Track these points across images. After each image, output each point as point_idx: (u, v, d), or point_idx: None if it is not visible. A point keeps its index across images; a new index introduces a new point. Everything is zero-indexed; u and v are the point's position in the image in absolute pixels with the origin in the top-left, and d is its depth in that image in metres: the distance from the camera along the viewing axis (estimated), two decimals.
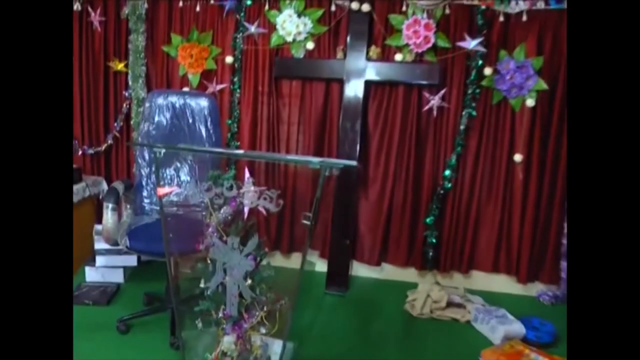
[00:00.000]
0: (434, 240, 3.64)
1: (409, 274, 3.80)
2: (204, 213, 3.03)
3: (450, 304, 3.40)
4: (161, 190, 2.26)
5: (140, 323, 2.98)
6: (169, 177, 3.13)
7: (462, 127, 3.50)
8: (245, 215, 2.12)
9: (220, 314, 2.24)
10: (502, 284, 3.71)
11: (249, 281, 2.15)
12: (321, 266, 3.84)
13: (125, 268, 3.52)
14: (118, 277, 3.49)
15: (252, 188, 2.06)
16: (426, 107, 3.54)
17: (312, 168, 2.00)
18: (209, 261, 2.23)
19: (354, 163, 1.94)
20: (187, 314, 2.59)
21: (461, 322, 3.30)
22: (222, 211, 2.12)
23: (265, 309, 2.25)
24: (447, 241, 3.68)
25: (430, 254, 3.65)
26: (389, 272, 3.83)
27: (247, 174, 2.12)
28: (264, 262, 2.20)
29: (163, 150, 2.09)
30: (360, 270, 3.86)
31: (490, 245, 3.66)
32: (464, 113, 3.49)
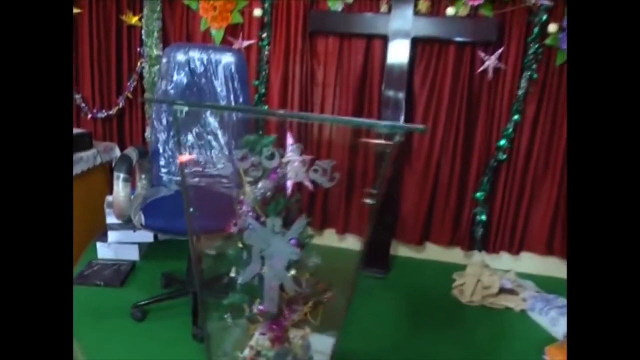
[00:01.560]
0: (483, 218, 3.15)
1: (453, 255, 3.33)
2: (234, 187, 2.58)
3: (502, 290, 2.94)
4: (183, 157, 1.79)
5: (157, 309, 2.54)
6: (189, 143, 2.65)
7: (520, 92, 2.98)
8: (289, 190, 1.65)
9: (255, 310, 1.79)
10: (556, 267, 3.22)
11: (293, 272, 1.69)
12: (351, 243, 3.40)
13: (140, 244, 3.06)
14: (133, 254, 3.05)
15: (298, 157, 1.57)
16: (480, 69, 3.01)
17: (380, 132, 1.51)
18: (239, 244, 1.77)
19: (422, 127, 1.46)
20: (211, 300, 2.15)
21: (515, 310, 2.83)
22: (259, 185, 1.64)
23: (310, 303, 1.80)
24: (498, 219, 3.19)
25: (479, 233, 3.17)
26: (431, 252, 3.36)
27: (289, 140, 1.64)
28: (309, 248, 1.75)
29: (185, 108, 1.60)
30: (399, 249, 3.39)
31: (545, 225, 3.17)
32: (523, 76, 2.96)
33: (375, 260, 3.11)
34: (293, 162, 1.58)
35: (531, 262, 3.25)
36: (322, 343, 2.03)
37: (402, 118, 3.01)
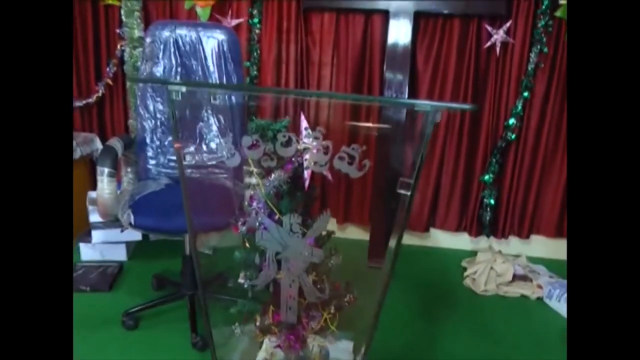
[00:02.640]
0: (492, 202, 2.92)
1: (460, 241, 3.10)
2: (232, 179, 2.30)
3: (514, 277, 2.73)
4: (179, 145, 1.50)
5: (151, 315, 2.26)
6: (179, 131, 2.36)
7: (530, 67, 2.74)
8: (307, 182, 1.38)
9: (269, 320, 1.53)
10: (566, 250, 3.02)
11: (313, 275, 1.43)
12: (358, 233, 3.14)
13: (128, 243, 2.76)
14: (120, 254, 2.74)
15: (319, 143, 1.30)
16: (487, 44, 2.76)
17: (419, 111, 1.25)
18: (246, 244, 1.50)
19: (471, 106, 1.20)
20: (211, 303, 1.89)
21: (531, 298, 2.62)
22: (272, 177, 1.37)
23: (332, 310, 1.54)
24: (507, 202, 2.96)
25: (488, 217, 2.94)
26: (437, 238, 3.12)
27: (303, 123, 1.37)
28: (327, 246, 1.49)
29: (183, 89, 1.32)
30: (404, 237, 3.13)
31: (555, 207, 2.96)
32: (532, 50, 2.72)
33: (380, 250, 2.86)
34: (313, 149, 1.31)
35: (541, 246, 3.04)
36: (339, 349, 1.79)
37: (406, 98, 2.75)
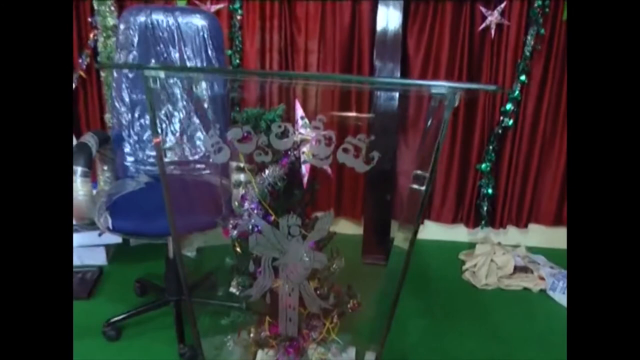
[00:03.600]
0: (490, 191, 2.77)
1: (456, 233, 2.95)
2: (217, 174, 2.11)
3: (515, 269, 2.59)
4: (159, 139, 1.32)
5: (134, 324, 2.07)
6: (158, 126, 2.16)
7: (527, 50, 2.58)
8: (305, 178, 1.20)
9: (265, 332, 1.36)
10: (565, 238, 2.88)
11: (315, 282, 1.26)
12: (350, 228, 2.97)
13: (107, 246, 2.56)
14: (99, 258, 2.54)
15: (319, 133, 1.13)
16: (482, 26, 2.60)
17: (435, 95, 1.08)
18: (238, 248, 1.32)
19: (492, 87, 1.03)
20: (197, 308, 1.72)
21: (534, 291, 2.48)
22: (266, 174, 1.19)
23: (334, 319, 1.37)
24: (505, 191, 2.81)
25: (486, 207, 2.80)
26: (432, 231, 2.96)
27: (299, 111, 1.20)
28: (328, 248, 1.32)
29: (161, 74, 1.13)
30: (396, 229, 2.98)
31: (554, 194, 2.83)
32: (529, 32, 2.57)
33: (374, 246, 2.70)
34: (311, 140, 1.14)
35: (540, 235, 2.91)
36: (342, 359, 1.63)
37: None
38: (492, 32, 2.59)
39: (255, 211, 1.19)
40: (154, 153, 2.13)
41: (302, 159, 1.17)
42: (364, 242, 2.72)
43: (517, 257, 2.65)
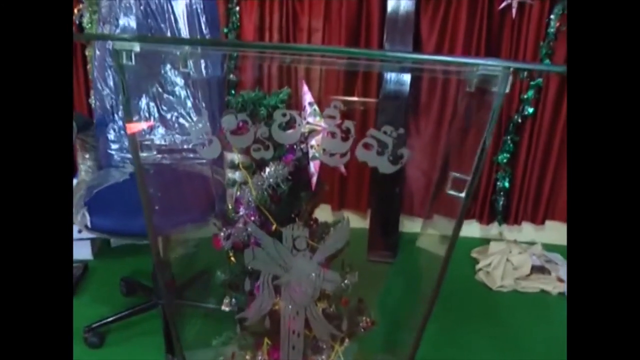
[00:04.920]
0: (506, 185, 2.54)
1: (468, 229, 2.71)
2: (210, 165, 1.87)
3: (532, 269, 2.37)
4: (134, 126, 1.07)
5: (119, 328, 1.85)
6: (144, 110, 1.92)
7: (550, 31, 2.33)
8: (314, 179, 0.96)
9: (264, 358, 1.13)
10: None
11: (323, 303, 1.03)
12: (355, 221, 2.74)
13: (93, 240, 2.32)
14: (84, 252, 2.30)
15: (333, 123, 0.89)
16: (502, 5, 2.34)
17: (488, 75, 0.83)
18: (232, 258, 1.09)
19: (559, 67, 0.79)
20: (185, 312, 1.51)
21: (552, 294, 2.27)
22: (266, 173, 0.95)
23: (344, 343, 1.15)
24: (522, 185, 2.58)
25: (501, 202, 2.57)
26: (443, 225, 2.73)
27: (306, 96, 0.95)
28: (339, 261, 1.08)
29: (136, 47, 0.89)
30: (405, 224, 2.75)
31: None
32: (554, 11, 2.31)
33: (381, 242, 2.47)
34: (322, 132, 0.90)
35: (556, 232, 2.68)
36: None
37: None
38: (514, 11, 2.33)
39: (253, 218, 0.96)
40: (141, 140, 1.89)
41: (310, 155, 0.93)
42: (369, 238, 2.49)
43: (534, 256, 2.43)
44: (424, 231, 2.10)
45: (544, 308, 2.18)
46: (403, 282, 2.28)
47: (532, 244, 2.59)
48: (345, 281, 1.07)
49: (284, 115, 0.85)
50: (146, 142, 0.99)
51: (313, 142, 0.93)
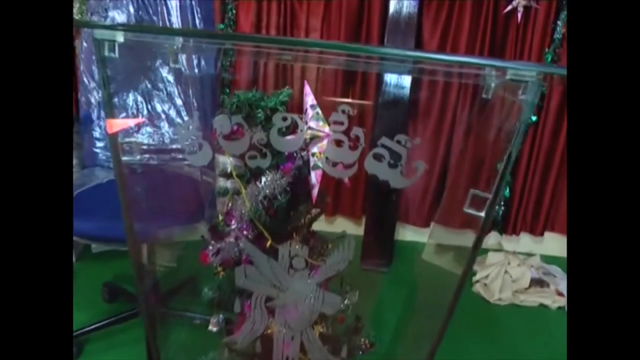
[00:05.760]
0: (506, 193, 2.45)
1: (464, 238, 2.62)
2: (212, 170, 1.75)
3: (531, 282, 2.28)
4: (116, 123, 0.96)
5: (99, 337, 1.74)
6: (132, 107, 1.80)
7: (556, 37, 2.25)
8: (315, 190, 0.86)
9: None
10: None
11: (320, 327, 0.93)
12: (348, 227, 2.64)
13: (76, 241, 2.20)
14: None
15: (326, 128, 0.79)
16: (507, 8, 2.25)
17: (519, 81, 0.74)
18: (221, 272, 0.98)
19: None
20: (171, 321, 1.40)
21: (552, 308, 2.18)
22: (262, 183, 0.85)
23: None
24: (521, 195, 2.50)
25: (501, 211, 2.48)
26: (439, 235, 2.64)
27: (308, 97, 0.85)
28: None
29: (119, 38, 0.78)
30: (401, 232, 2.65)
31: None
32: (561, 16, 2.23)
33: (375, 249, 2.37)
34: (325, 138, 0.80)
35: (556, 244, 2.60)
36: None
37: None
38: (519, 15, 2.24)
39: (245, 233, 0.85)
40: (129, 139, 1.78)
41: (311, 164, 0.83)
42: (363, 245, 2.39)
43: (531, 268, 2.35)
44: (430, 242, 2.00)
45: (543, 323, 2.09)
46: (398, 293, 2.19)
47: (530, 255, 2.50)
48: (346, 301, 0.97)
49: (285, 119, 0.74)
50: (127, 145, 0.88)
51: (315, 149, 0.82)
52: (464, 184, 2.23)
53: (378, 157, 0.73)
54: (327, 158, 0.80)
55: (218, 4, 2.33)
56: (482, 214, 0.79)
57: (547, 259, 2.50)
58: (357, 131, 0.73)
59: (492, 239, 2.60)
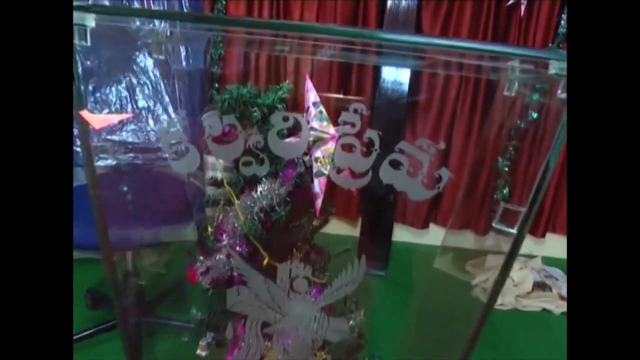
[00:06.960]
0: (505, 194, 2.36)
1: (463, 239, 2.53)
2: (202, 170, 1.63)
3: (533, 286, 2.19)
4: (93, 119, 0.85)
5: (81, 348, 1.62)
6: (116, 100, 1.67)
7: (560, 31, 2.15)
8: (319, 201, 0.74)
9: None
10: None
11: (323, 354, 0.81)
12: (344, 228, 2.53)
13: None
14: None
15: (332, 130, 0.67)
16: (510, 1, 2.15)
17: (555, 76, 0.63)
18: (209, 291, 0.87)
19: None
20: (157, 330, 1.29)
21: (555, 313, 2.09)
22: (259, 193, 0.73)
23: None
24: (521, 194, 2.40)
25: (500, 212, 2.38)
26: (435, 236, 2.54)
27: (310, 94, 0.73)
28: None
29: (92, 22, 0.66)
30: (397, 233, 2.55)
31: None
32: (565, 9, 2.13)
33: (371, 252, 2.26)
34: (331, 140, 0.68)
35: (557, 245, 2.51)
36: None
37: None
38: (522, 9, 2.14)
39: (239, 249, 0.73)
40: (114, 137, 1.65)
41: (314, 170, 0.71)
42: (359, 247, 2.28)
43: (533, 271, 2.25)
44: (443, 249, 1.90)
45: (546, 328, 2.00)
46: (395, 297, 2.08)
47: (531, 257, 2.41)
48: (351, 322, 0.85)
49: (285, 119, 0.63)
50: (101, 144, 0.76)
51: (319, 153, 0.71)
52: (481, 187, 2.14)
53: (396, 165, 0.61)
54: (332, 163, 0.69)
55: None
56: (514, 230, 0.68)
57: (549, 261, 2.41)
58: (371, 134, 0.61)
59: (490, 240, 2.50)
